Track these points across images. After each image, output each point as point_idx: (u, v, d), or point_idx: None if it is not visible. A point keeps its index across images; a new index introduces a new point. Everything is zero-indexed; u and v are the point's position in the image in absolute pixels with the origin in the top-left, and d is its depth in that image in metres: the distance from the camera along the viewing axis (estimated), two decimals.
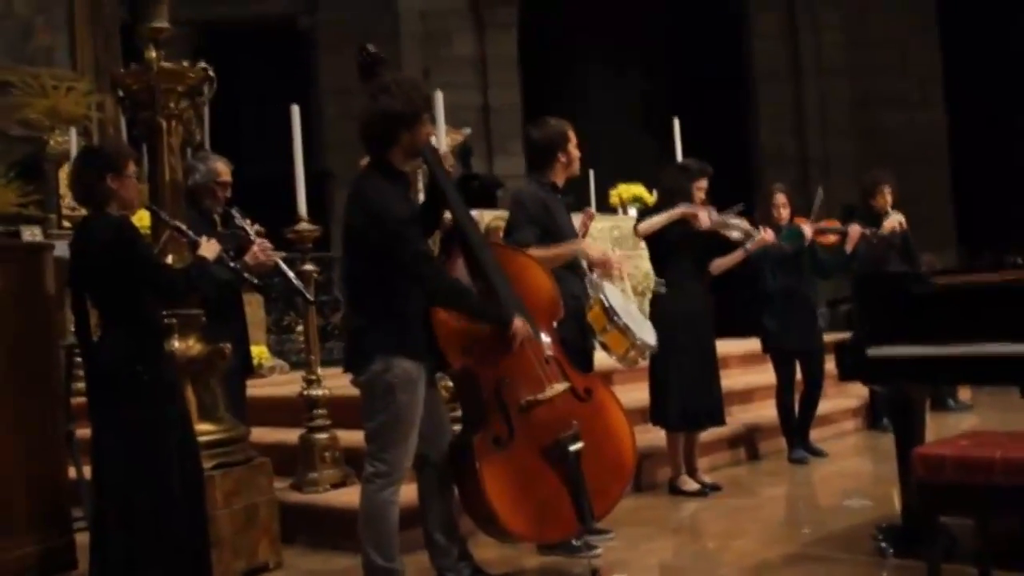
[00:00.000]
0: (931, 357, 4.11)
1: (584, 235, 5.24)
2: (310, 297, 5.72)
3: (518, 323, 4.13)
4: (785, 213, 7.08)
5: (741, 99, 16.53)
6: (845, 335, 4.63)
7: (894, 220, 7.54)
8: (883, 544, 4.45)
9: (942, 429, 6.58)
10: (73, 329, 5.28)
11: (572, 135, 5.06)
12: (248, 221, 5.26)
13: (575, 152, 5.07)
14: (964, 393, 8.94)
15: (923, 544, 3.79)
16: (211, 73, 4.96)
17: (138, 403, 3.96)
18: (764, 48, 16.21)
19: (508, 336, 4.12)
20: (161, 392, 4.04)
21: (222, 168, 5.61)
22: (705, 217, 5.89)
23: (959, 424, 7.61)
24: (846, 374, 4.50)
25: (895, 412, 4.74)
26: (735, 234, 6.23)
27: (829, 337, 7.11)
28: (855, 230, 7.17)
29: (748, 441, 7.31)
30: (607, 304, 4.74)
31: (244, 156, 5.88)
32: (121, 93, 4.92)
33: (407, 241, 3.97)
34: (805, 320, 7.09)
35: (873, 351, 4.27)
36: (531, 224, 4.85)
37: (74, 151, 8.34)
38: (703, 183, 6.11)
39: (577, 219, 5.30)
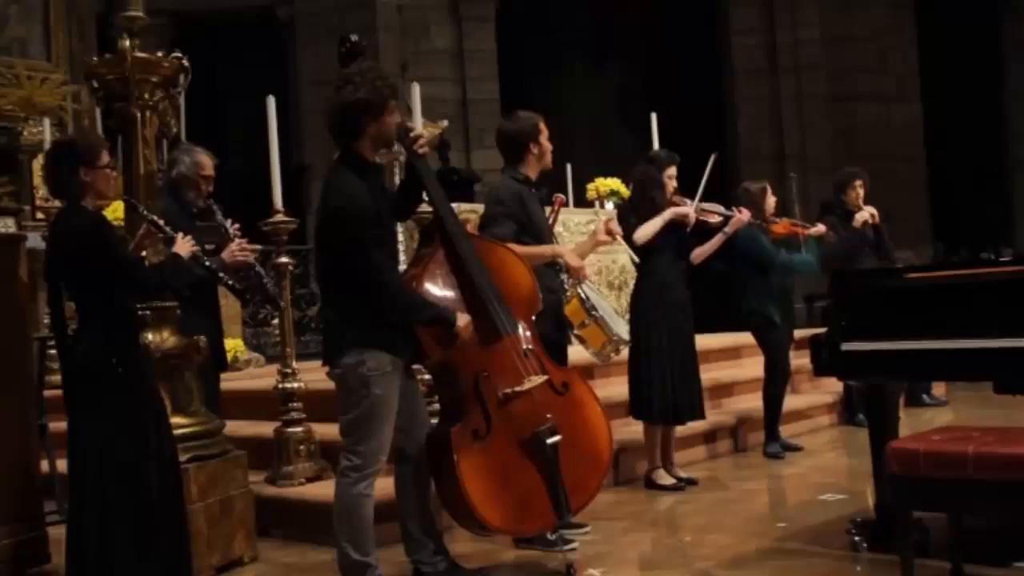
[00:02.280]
0: (904, 352, 4.12)
1: (554, 223, 5.25)
2: (282, 304, 5.75)
3: (461, 322, 4.11)
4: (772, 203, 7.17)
5: (719, 95, 16.57)
6: (818, 331, 4.64)
7: (865, 213, 7.64)
8: (857, 538, 4.47)
9: (917, 425, 6.62)
10: (48, 322, 5.24)
11: (543, 127, 5.04)
12: (229, 221, 5.27)
13: (547, 144, 5.05)
14: (939, 389, 8.99)
15: (896, 538, 3.81)
16: (186, 64, 4.93)
17: (114, 396, 3.95)
18: (742, 44, 16.24)
19: (454, 335, 4.10)
20: (137, 385, 4.03)
21: (206, 161, 5.57)
22: (693, 215, 5.94)
23: (934, 420, 7.64)
24: (821, 369, 4.51)
25: (869, 407, 4.77)
26: (714, 219, 6.25)
27: (800, 333, 7.17)
28: (820, 228, 7.26)
29: (724, 435, 7.32)
30: (585, 298, 4.75)
31: (222, 149, 5.85)
32: (95, 83, 4.88)
33: (362, 240, 3.94)
34: (792, 316, 7.25)
35: (847, 346, 4.29)
36: (508, 219, 4.84)
37: (48, 142, 8.28)
38: (672, 171, 6.13)
39: (549, 212, 5.32)
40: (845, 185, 7.87)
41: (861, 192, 7.82)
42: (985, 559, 4.05)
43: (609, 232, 5.19)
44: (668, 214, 5.91)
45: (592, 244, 5.38)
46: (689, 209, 5.94)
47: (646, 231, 5.90)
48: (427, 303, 4.15)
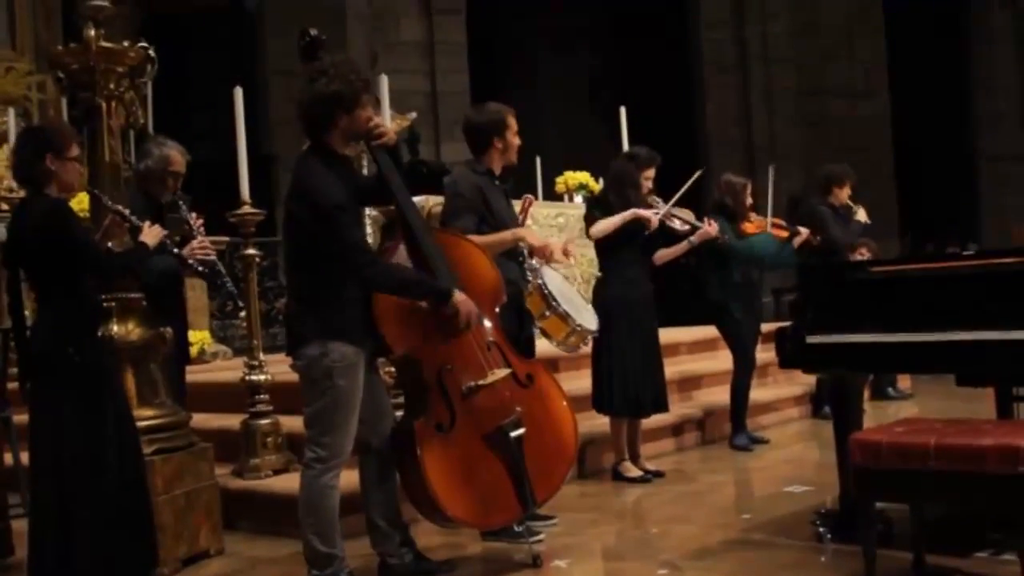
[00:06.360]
0: (868, 344, 4.16)
1: (524, 221, 5.23)
2: (240, 304, 5.70)
3: (459, 297, 4.10)
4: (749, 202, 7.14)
5: (689, 86, 16.61)
6: (785, 324, 4.66)
7: (863, 215, 7.65)
8: (821, 529, 4.50)
9: (882, 417, 6.67)
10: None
11: (512, 122, 4.99)
12: (193, 215, 5.21)
13: (513, 140, 4.99)
14: (904, 382, 9.06)
15: (860, 529, 3.84)
16: (152, 53, 4.89)
17: (69, 386, 3.93)
18: (712, 36, 16.29)
19: (449, 310, 4.08)
20: (93, 375, 4.01)
21: (176, 157, 5.46)
22: (656, 220, 5.93)
23: (898, 412, 7.71)
24: (787, 361, 4.53)
25: (834, 399, 4.79)
26: (682, 226, 6.27)
27: (768, 326, 7.19)
28: (804, 232, 7.25)
29: (692, 428, 7.35)
30: (546, 290, 4.75)
31: (190, 138, 5.79)
32: (60, 73, 4.83)
33: (340, 227, 3.93)
34: (758, 309, 7.26)
35: (813, 338, 4.32)
36: (468, 212, 4.82)
37: (13, 133, 8.20)
38: (651, 172, 6.14)
39: (517, 205, 5.29)
40: (843, 182, 7.75)
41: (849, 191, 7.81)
42: (946, 549, 4.08)
43: (565, 253, 5.14)
44: (628, 214, 5.89)
45: (546, 260, 5.27)
46: (650, 214, 5.93)
47: (601, 228, 5.91)
48: (421, 277, 4.13)
